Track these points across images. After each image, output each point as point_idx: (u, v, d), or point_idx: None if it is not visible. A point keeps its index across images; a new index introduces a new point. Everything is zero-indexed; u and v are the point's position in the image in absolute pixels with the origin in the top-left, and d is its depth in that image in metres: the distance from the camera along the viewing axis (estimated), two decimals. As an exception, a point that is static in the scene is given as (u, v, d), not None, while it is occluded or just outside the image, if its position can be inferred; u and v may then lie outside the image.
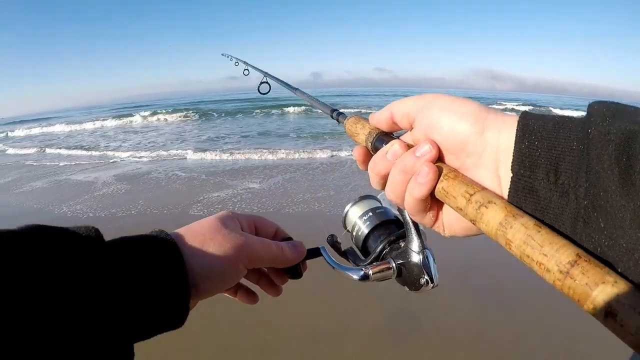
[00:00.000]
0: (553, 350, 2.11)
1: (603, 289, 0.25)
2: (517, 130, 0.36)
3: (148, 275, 0.39)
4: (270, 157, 7.54)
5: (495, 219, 0.33)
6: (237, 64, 1.83)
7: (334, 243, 0.62)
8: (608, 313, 0.24)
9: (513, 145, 0.36)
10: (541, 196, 0.34)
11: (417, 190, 0.41)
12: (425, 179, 0.40)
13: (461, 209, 0.37)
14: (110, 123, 16.76)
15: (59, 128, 16.53)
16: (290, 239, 0.58)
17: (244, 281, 0.56)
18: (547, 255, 0.28)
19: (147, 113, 18.48)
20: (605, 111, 0.32)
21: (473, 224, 0.36)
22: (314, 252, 0.58)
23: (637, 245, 0.27)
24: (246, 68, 1.66)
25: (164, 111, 18.57)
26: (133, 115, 18.23)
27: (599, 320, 0.25)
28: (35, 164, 8.29)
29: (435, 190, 0.40)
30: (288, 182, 5.38)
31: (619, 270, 0.27)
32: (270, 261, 0.51)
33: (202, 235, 0.46)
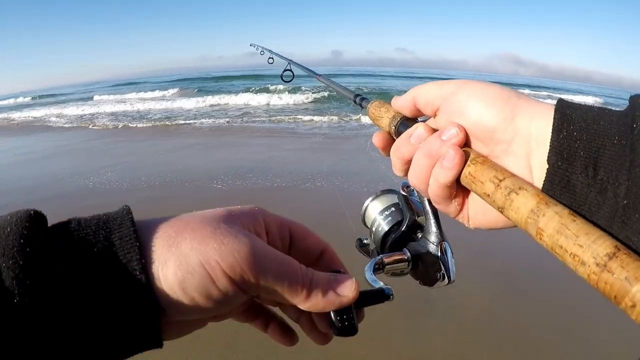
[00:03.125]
0: (567, 337, 2.11)
1: None
2: (554, 118, 0.34)
3: (98, 290, 0.26)
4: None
5: (527, 206, 0.30)
6: (262, 52, 1.87)
7: (362, 246, 0.60)
8: None
9: (547, 134, 0.34)
10: (578, 191, 0.32)
11: (442, 174, 0.39)
12: (451, 163, 0.38)
13: (488, 195, 0.34)
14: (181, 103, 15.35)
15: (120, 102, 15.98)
16: (339, 272, 0.37)
17: (282, 315, 0.40)
18: (583, 246, 0.26)
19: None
20: None
21: (500, 211, 0.34)
22: (377, 296, 0.38)
23: None
24: (271, 56, 1.68)
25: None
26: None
27: (638, 321, 0.23)
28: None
29: (462, 176, 0.38)
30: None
31: None
32: (286, 293, 0.32)
33: (183, 224, 0.31)
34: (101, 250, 0.27)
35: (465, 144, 0.40)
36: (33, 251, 0.25)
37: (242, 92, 15.31)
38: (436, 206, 0.44)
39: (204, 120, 9.90)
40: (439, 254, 0.46)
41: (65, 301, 0.25)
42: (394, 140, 0.48)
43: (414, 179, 0.43)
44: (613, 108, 0.34)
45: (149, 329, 0.28)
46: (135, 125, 9.85)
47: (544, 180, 0.33)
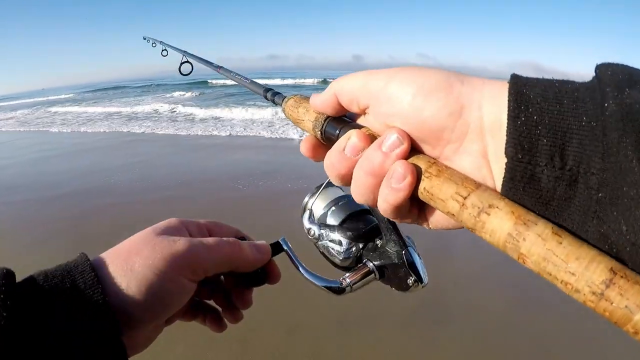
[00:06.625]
0: (583, 352, 2.10)
1: None
2: (509, 101, 0.29)
3: (66, 326, 0.32)
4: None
5: (502, 228, 0.27)
6: (154, 45, 1.68)
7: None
8: None
9: (502, 121, 0.29)
10: (544, 186, 0.27)
11: (393, 197, 0.33)
12: (400, 184, 0.32)
13: (454, 215, 0.30)
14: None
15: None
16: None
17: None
18: (575, 274, 0.23)
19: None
20: (621, 78, 0.26)
21: (472, 232, 0.30)
22: (275, 248, 0.48)
23: None
24: (164, 49, 1.50)
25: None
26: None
27: None
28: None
29: (417, 192, 0.33)
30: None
31: None
32: (226, 264, 0.42)
33: (126, 252, 0.38)
34: (69, 295, 0.33)
35: (411, 147, 0.34)
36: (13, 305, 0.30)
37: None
38: (390, 219, 0.39)
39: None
40: (405, 262, 0.43)
41: (41, 345, 0.30)
42: (324, 145, 0.41)
43: (359, 197, 0.37)
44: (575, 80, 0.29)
45: (113, 349, 0.34)
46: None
47: (504, 178, 0.29)
